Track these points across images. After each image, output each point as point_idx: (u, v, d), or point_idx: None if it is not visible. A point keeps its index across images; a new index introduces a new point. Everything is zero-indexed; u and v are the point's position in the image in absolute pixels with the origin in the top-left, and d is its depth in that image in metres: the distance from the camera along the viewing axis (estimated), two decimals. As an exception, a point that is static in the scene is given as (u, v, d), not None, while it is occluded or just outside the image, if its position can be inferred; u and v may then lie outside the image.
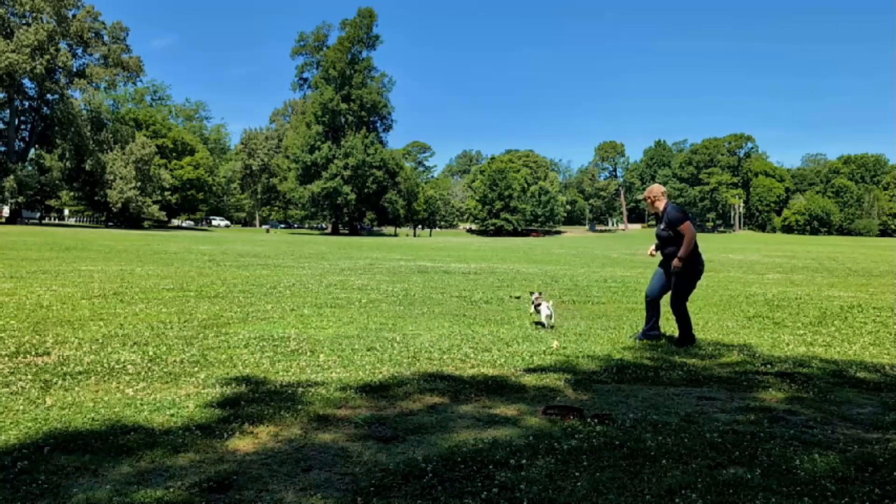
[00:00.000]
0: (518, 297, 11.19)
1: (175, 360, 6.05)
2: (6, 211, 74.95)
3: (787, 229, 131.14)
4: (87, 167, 70.34)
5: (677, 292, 7.44)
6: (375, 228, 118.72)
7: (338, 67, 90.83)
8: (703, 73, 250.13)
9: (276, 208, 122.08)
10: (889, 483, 3.41)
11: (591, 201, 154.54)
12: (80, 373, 5.46)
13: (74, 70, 73.93)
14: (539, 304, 8.55)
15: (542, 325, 8.50)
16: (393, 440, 4.00)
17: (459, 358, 6.54)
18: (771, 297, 13.30)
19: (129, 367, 5.73)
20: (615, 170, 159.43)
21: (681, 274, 7.35)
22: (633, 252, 40.67)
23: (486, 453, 3.71)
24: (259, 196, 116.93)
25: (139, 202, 72.84)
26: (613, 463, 3.62)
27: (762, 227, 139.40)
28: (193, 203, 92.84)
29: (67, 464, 3.45)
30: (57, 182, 71.56)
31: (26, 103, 73.85)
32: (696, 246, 7.39)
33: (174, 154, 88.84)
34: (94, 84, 73.98)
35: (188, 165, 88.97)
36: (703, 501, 3.14)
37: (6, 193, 66.20)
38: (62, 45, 71.12)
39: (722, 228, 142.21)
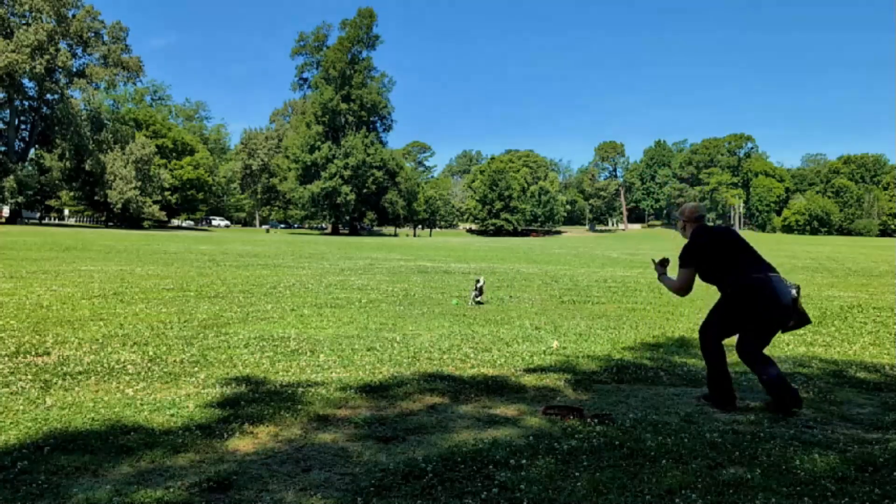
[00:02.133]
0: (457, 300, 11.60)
1: (175, 360, 6.05)
2: (6, 211, 74.87)
3: (787, 229, 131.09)
4: (87, 167, 70.30)
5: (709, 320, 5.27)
6: (375, 228, 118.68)
7: (338, 67, 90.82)
8: (703, 72, 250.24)
9: (276, 208, 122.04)
10: (889, 483, 3.41)
11: (591, 201, 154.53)
12: (80, 373, 5.45)
13: (74, 70, 73.85)
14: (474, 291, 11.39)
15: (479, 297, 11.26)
16: (393, 440, 4.00)
17: (459, 358, 6.54)
18: (771, 297, 13.29)
19: (129, 367, 5.73)
20: (615, 170, 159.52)
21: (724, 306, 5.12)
22: (634, 252, 40.69)
23: (486, 453, 3.71)
24: (259, 196, 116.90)
25: (139, 202, 72.80)
26: (613, 463, 3.62)
27: (762, 227, 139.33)
28: (193, 203, 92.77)
29: (67, 464, 3.44)
30: (57, 182, 71.52)
31: (26, 103, 73.79)
32: (740, 274, 4.98)
33: (174, 154, 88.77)
34: (93, 84, 73.89)
35: (188, 165, 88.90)
36: (703, 501, 3.14)
37: (6, 193, 66.16)
38: (62, 45, 71.04)
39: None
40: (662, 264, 5.48)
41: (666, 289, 5.31)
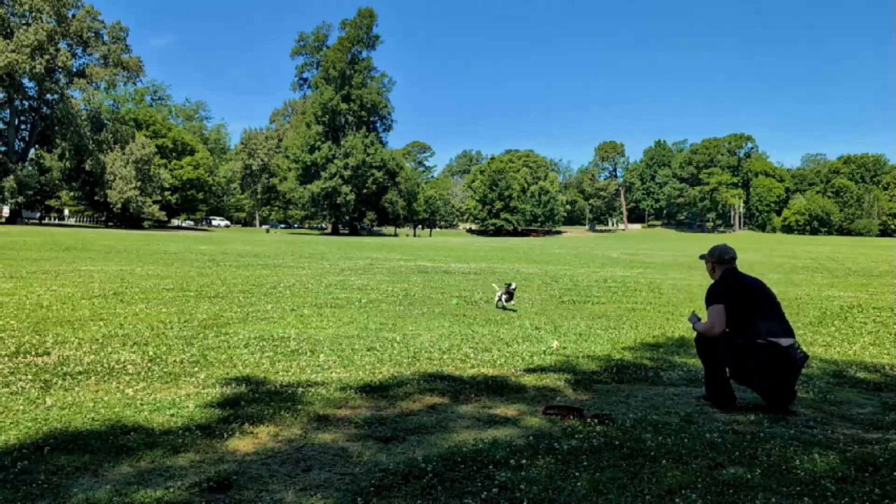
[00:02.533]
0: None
1: (175, 360, 6.05)
2: (6, 211, 74.85)
3: (787, 229, 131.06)
4: (87, 167, 70.29)
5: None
6: (375, 228, 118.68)
7: (338, 67, 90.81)
8: (704, 72, 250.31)
9: (276, 208, 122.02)
10: (889, 483, 3.41)
11: (591, 201, 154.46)
12: (80, 373, 5.45)
13: (74, 70, 73.83)
14: (505, 294, 10.64)
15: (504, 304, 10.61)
16: (393, 440, 4.00)
17: (459, 358, 6.54)
18: (771, 297, 13.29)
19: (129, 367, 5.73)
20: (615, 170, 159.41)
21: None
22: (634, 252, 40.69)
23: (486, 453, 3.71)
24: (259, 196, 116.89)
25: (139, 202, 72.80)
26: (613, 463, 3.62)
27: (762, 227, 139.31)
28: (193, 203, 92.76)
29: (67, 464, 3.44)
30: (57, 182, 71.49)
31: (26, 103, 73.77)
32: (755, 326, 4.99)
33: (174, 154, 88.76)
34: (93, 84, 73.88)
35: (188, 165, 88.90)
36: (703, 501, 3.14)
37: (6, 193, 66.13)
38: (62, 45, 71.02)
39: (722, 228, 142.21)
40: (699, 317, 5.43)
41: (699, 331, 5.25)
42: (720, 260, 5.31)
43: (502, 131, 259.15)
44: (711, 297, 5.16)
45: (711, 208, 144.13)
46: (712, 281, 5.38)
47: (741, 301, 5.06)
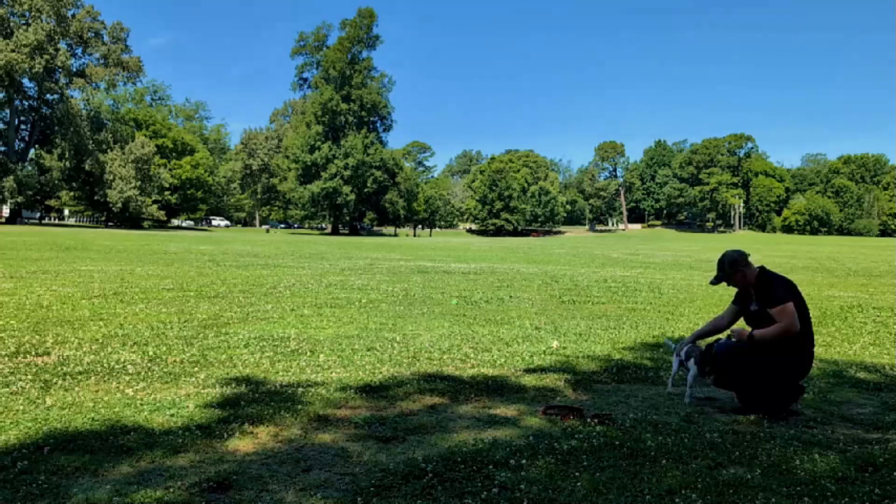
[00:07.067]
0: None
1: (175, 360, 6.05)
2: (6, 211, 74.85)
3: (787, 229, 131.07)
4: (87, 167, 70.34)
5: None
6: (375, 228, 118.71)
7: (338, 67, 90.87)
8: (704, 72, 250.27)
9: (276, 208, 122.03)
10: (889, 483, 3.41)
11: (591, 201, 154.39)
12: (80, 373, 5.45)
13: (74, 70, 73.90)
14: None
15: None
16: (393, 440, 4.00)
17: (459, 358, 6.54)
18: (771, 297, 13.27)
19: (129, 367, 5.73)
20: (615, 170, 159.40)
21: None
22: (634, 252, 40.67)
23: (486, 453, 3.71)
24: (259, 196, 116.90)
25: (139, 202, 72.85)
26: (613, 463, 3.62)
27: (762, 227, 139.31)
28: (193, 203, 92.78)
29: (67, 464, 3.44)
30: (57, 182, 71.52)
31: (26, 103, 73.81)
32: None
33: (174, 154, 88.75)
34: (93, 84, 73.94)
35: (188, 165, 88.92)
36: (703, 501, 3.14)
37: (6, 193, 66.15)
38: (62, 45, 71.09)
39: (722, 228, 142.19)
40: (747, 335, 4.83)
41: (768, 342, 4.67)
42: (745, 261, 4.92)
43: (502, 131, 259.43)
44: (783, 294, 4.69)
45: (711, 208, 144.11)
46: (745, 286, 4.96)
47: (799, 301, 4.75)
